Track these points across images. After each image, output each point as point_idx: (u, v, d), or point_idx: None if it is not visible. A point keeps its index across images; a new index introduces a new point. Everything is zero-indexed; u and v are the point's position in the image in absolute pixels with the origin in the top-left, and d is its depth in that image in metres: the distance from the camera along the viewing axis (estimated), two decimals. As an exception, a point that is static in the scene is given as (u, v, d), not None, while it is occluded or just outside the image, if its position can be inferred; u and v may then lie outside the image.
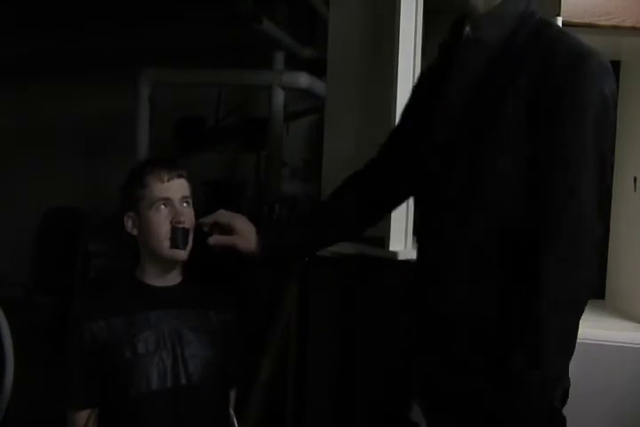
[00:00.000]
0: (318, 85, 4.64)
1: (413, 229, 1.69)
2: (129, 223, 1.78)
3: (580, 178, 1.29)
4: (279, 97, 4.80)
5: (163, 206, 1.73)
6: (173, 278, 1.80)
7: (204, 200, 4.66)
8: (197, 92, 5.28)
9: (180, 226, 1.72)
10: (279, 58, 5.05)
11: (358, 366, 2.49)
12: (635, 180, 2.20)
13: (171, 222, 1.72)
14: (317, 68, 4.19)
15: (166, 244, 1.72)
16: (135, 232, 1.78)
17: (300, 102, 5.25)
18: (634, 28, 2.00)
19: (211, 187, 4.79)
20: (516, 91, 1.32)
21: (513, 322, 1.31)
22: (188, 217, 1.75)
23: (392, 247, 2.21)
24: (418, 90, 1.68)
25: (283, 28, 4.70)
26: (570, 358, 1.31)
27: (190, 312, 1.78)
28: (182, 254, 1.74)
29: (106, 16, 5.00)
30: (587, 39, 1.45)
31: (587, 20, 1.97)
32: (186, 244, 1.73)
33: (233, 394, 1.91)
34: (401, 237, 2.22)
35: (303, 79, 4.78)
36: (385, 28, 2.25)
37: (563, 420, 1.35)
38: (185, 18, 4.88)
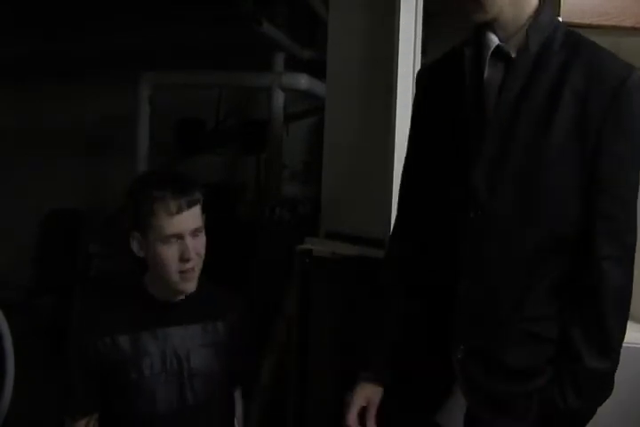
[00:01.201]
0: (318, 87, 4.64)
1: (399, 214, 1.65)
2: (135, 245, 1.66)
3: (628, 186, 1.39)
4: (279, 99, 4.80)
5: (172, 241, 1.61)
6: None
7: (204, 203, 4.64)
8: (197, 94, 5.28)
9: (188, 266, 1.63)
10: (279, 59, 5.06)
11: (359, 367, 2.49)
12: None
13: (180, 258, 1.62)
14: (317, 69, 4.19)
15: (175, 277, 1.63)
16: (142, 255, 1.66)
17: (299, 104, 5.25)
18: (633, 29, 2.00)
19: (211, 189, 4.80)
20: (563, 96, 1.36)
21: (574, 322, 1.39)
22: (198, 250, 1.65)
23: (392, 249, 2.20)
24: (425, 103, 1.63)
25: (282, 30, 4.70)
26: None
27: (198, 327, 1.73)
28: (192, 287, 1.67)
29: (106, 19, 5.01)
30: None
31: (586, 21, 1.97)
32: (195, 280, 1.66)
33: (238, 394, 1.88)
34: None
35: (303, 81, 4.78)
36: (384, 29, 2.25)
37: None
38: (185, 20, 4.89)
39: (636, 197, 1.40)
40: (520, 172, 1.38)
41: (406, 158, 1.69)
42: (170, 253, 1.61)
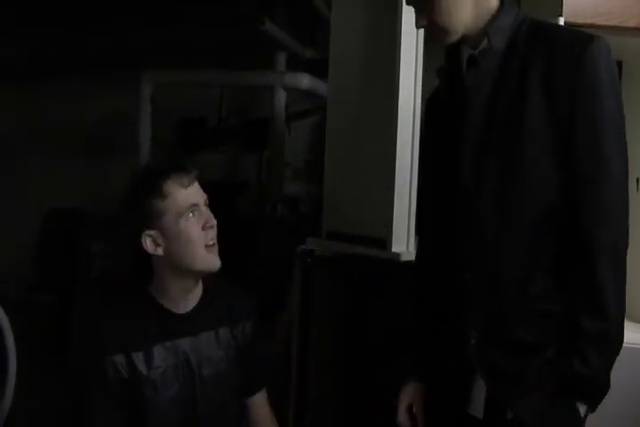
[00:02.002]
0: (320, 86, 4.64)
1: (417, 228, 1.72)
2: (149, 244, 1.61)
3: (606, 149, 1.37)
4: (281, 98, 4.80)
5: (191, 212, 1.61)
6: (194, 298, 1.71)
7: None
8: (199, 94, 5.29)
9: (212, 236, 1.63)
10: (281, 59, 5.06)
11: (360, 366, 2.49)
12: (637, 180, 2.20)
13: (203, 228, 1.62)
14: (319, 68, 4.19)
15: (202, 252, 1.61)
16: (160, 251, 1.62)
17: (301, 103, 5.25)
18: (636, 29, 2.01)
19: (212, 187, 4.78)
20: (529, 83, 1.38)
21: (571, 293, 1.40)
22: (213, 220, 1.66)
23: (394, 249, 2.21)
24: (431, 123, 1.69)
25: (285, 29, 4.70)
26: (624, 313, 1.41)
27: (209, 335, 1.71)
28: (218, 263, 1.65)
29: (108, 17, 5.00)
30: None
31: (588, 21, 1.97)
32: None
33: (262, 395, 1.86)
34: (403, 239, 2.22)
35: (305, 80, 4.78)
36: (386, 28, 2.25)
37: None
38: (187, 19, 4.88)
39: (621, 160, 1.38)
40: (501, 151, 1.41)
41: (422, 184, 1.78)
42: (192, 224, 1.61)
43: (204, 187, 1.72)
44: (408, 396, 1.69)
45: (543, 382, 1.41)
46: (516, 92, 1.40)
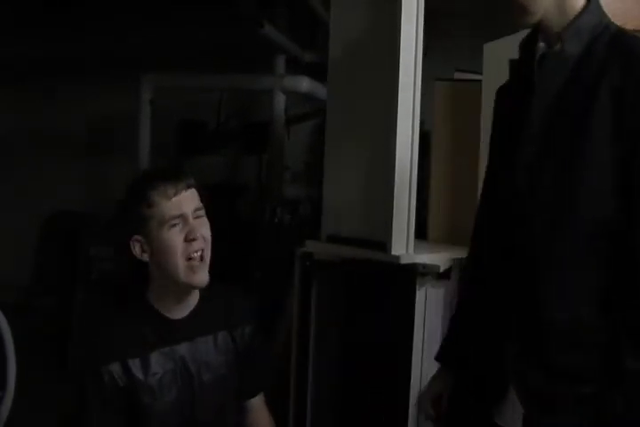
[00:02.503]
0: (319, 89, 4.64)
1: (474, 236, 1.69)
2: (136, 249, 1.62)
3: None
4: (280, 101, 4.81)
5: (175, 225, 1.58)
6: (192, 302, 1.69)
7: (205, 204, 4.61)
8: (199, 97, 5.29)
9: (195, 248, 1.59)
10: (280, 62, 5.06)
11: (360, 370, 2.49)
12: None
13: (185, 239, 1.58)
14: (318, 71, 4.19)
15: (182, 266, 1.58)
16: (146, 257, 1.62)
17: (301, 106, 5.25)
18: (636, 31, 2.00)
19: (212, 190, 4.77)
20: (600, 92, 1.34)
21: (618, 323, 1.33)
22: (203, 232, 1.62)
23: (394, 251, 2.20)
24: (498, 115, 1.65)
25: (284, 32, 4.70)
26: None
27: (207, 339, 1.70)
28: (204, 279, 1.61)
29: (107, 19, 5.01)
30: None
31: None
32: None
33: (260, 398, 1.85)
34: (403, 242, 2.21)
35: (304, 83, 4.79)
36: (386, 31, 2.25)
37: None
38: (187, 22, 4.89)
39: None
40: (559, 161, 1.38)
41: (486, 173, 1.70)
42: (174, 235, 1.58)
43: (204, 189, 1.70)
44: (436, 385, 1.66)
45: (584, 417, 1.35)
46: (583, 99, 1.35)
